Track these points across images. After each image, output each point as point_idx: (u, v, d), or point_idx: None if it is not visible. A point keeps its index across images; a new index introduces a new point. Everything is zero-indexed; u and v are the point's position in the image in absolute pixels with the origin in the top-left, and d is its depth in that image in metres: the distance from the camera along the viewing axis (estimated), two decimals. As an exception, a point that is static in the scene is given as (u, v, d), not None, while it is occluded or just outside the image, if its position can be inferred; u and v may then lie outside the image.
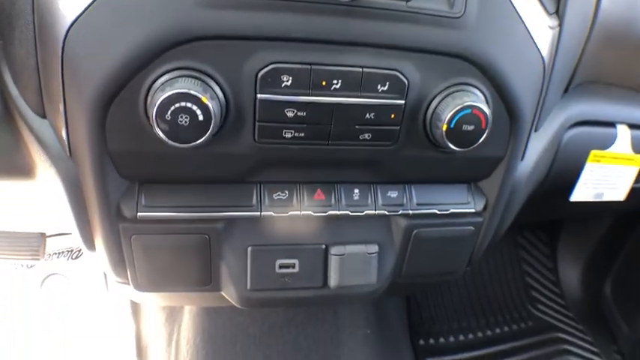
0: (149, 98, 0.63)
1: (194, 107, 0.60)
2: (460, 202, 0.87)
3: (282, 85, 0.65)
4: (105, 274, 1.44)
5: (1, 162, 0.75)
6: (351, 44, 0.65)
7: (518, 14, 0.71)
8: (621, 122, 0.99)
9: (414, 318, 1.75)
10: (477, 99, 0.70)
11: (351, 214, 0.81)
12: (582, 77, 0.93)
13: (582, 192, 1.07)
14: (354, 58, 0.66)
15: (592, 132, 0.97)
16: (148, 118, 0.64)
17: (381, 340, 1.50)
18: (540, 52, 0.75)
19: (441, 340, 1.74)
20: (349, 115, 0.69)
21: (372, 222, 0.85)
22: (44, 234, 1.62)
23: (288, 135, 0.69)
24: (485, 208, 0.89)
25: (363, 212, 0.82)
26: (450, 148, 0.71)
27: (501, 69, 0.71)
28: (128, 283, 0.83)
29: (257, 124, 0.68)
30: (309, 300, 0.88)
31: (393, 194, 0.83)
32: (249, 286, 0.83)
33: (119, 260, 0.80)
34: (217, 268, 0.82)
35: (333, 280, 0.84)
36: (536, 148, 0.88)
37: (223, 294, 0.86)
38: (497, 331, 1.79)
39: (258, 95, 0.65)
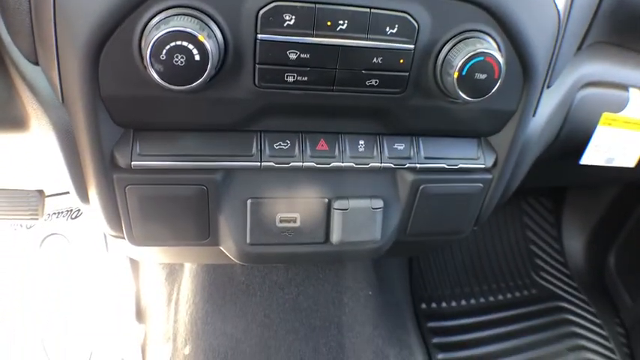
0: (143, 38, 0.60)
1: (190, 46, 0.57)
2: (470, 158, 0.84)
3: (285, 24, 0.62)
4: (104, 234, 1.43)
5: None
6: None
7: None
8: (634, 86, 0.97)
9: (416, 282, 1.75)
10: (490, 47, 0.66)
11: (355, 166, 0.78)
12: (596, 36, 0.90)
13: (593, 155, 1.05)
14: None
15: (604, 94, 0.95)
16: (142, 59, 0.61)
17: (383, 303, 1.50)
18: (556, 4, 0.72)
19: (443, 304, 1.73)
20: (355, 58, 0.65)
21: (377, 176, 0.82)
22: (43, 192, 1.61)
23: (291, 79, 0.66)
24: (495, 164, 0.86)
25: (368, 165, 0.79)
26: (460, 97, 0.68)
27: (516, 17, 0.68)
28: (123, 237, 0.81)
29: (257, 66, 0.65)
30: (310, 256, 0.87)
31: (400, 147, 0.80)
32: (248, 241, 0.81)
33: (114, 213, 0.78)
34: (215, 222, 0.80)
35: (335, 236, 0.82)
36: (548, 106, 0.86)
37: (222, 249, 0.84)
38: (500, 297, 1.79)
39: (259, 35, 0.62)
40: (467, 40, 0.67)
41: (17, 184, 1.26)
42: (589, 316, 1.77)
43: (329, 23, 0.63)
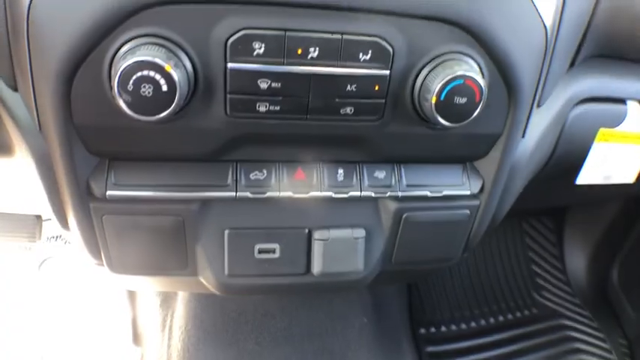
0: (112, 68, 0.59)
1: (157, 76, 0.56)
2: (454, 184, 0.81)
3: (254, 53, 0.60)
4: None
5: None
6: (328, 8, 0.60)
7: None
8: (632, 98, 0.94)
9: (414, 305, 1.72)
10: (470, 69, 0.64)
11: (334, 195, 0.76)
12: (590, 50, 0.87)
13: (589, 174, 1.02)
14: (333, 23, 0.61)
15: (600, 109, 0.92)
16: (112, 89, 0.60)
17: (379, 330, 1.47)
18: (542, 19, 0.69)
19: (443, 328, 1.70)
20: (328, 86, 0.64)
21: (358, 204, 0.80)
22: (40, 217, 1.62)
23: (263, 108, 0.64)
24: (481, 190, 0.83)
25: (347, 194, 0.77)
26: (440, 123, 0.65)
27: (498, 36, 0.66)
28: (103, 265, 0.80)
29: (228, 96, 0.63)
30: (291, 287, 0.85)
31: (381, 174, 0.78)
32: (226, 272, 0.79)
33: (92, 241, 0.77)
34: (193, 252, 0.78)
35: (316, 267, 0.80)
36: (538, 125, 0.83)
37: (201, 279, 0.82)
38: (501, 318, 1.76)
39: (229, 64, 0.61)
40: (445, 63, 0.64)
41: (15, 208, 1.27)
42: (591, 331, 1.74)
43: (299, 51, 0.61)
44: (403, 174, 0.79)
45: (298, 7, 0.60)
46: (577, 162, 0.98)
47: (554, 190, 1.16)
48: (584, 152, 0.96)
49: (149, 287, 1.16)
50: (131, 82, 0.56)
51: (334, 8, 0.60)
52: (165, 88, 0.57)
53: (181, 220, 0.74)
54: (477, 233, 0.89)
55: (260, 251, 0.78)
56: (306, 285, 0.84)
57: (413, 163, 0.80)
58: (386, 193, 0.78)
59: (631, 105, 0.94)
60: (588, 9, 0.80)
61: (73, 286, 1.62)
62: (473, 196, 0.83)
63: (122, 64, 0.56)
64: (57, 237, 1.70)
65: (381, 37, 0.62)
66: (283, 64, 0.61)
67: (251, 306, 1.41)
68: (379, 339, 1.44)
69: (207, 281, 0.82)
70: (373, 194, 0.78)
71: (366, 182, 0.77)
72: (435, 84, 0.63)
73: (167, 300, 1.46)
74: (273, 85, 0.62)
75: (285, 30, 0.60)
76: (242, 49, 0.60)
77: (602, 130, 0.94)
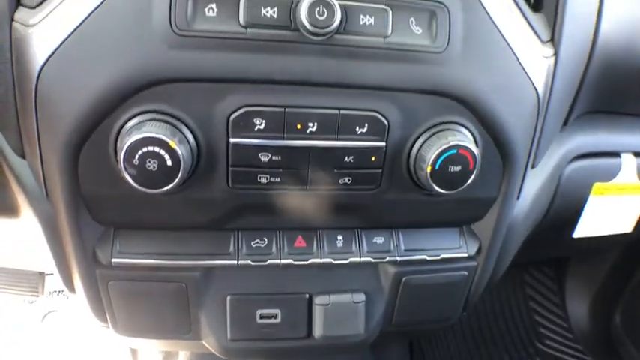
0: (118, 142, 0.61)
1: (162, 152, 0.58)
2: (451, 247, 0.83)
3: (255, 128, 0.62)
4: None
5: None
6: (326, 85, 0.63)
7: (508, 44, 0.67)
8: (626, 151, 0.94)
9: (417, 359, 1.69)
10: (464, 138, 0.66)
11: (334, 261, 0.78)
12: (582, 107, 0.88)
13: (586, 227, 1.02)
14: (330, 99, 0.63)
15: (595, 164, 0.93)
16: (118, 162, 0.61)
17: None
18: (534, 85, 0.71)
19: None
20: (327, 159, 0.66)
21: (358, 269, 0.81)
22: (43, 273, 1.63)
23: (264, 180, 0.66)
24: (479, 251, 0.84)
25: (347, 260, 0.78)
26: (435, 190, 0.67)
27: (490, 105, 0.68)
28: (109, 327, 0.81)
29: (230, 169, 0.65)
30: (293, 350, 0.85)
31: (379, 240, 0.79)
32: (229, 336, 0.80)
33: (98, 304, 0.78)
34: (196, 317, 0.79)
35: (317, 331, 0.80)
36: (533, 186, 0.84)
37: (204, 342, 0.83)
38: (504, 369, 1.73)
39: (231, 139, 0.63)
40: (439, 134, 0.66)
41: (18, 264, 1.27)
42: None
43: (299, 126, 0.63)
44: (401, 239, 0.80)
45: (297, 84, 0.62)
46: (573, 216, 0.98)
47: (552, 243, 1.16)
48: (580, 207, 0.97)
49: (153, 347, 1.15)
50: (137, 157, 0.58)
51: (331, 85, 0.63)
52: (169, 162, 0.59)
53: (184, 286, 0.76)
54: (476, 292, 0.90)
55: (262, 316, 0.79)
56: (308, 348, 0.84)
57: (410, 228, 0.81)
58: (385, 258, 0.79)
59: (625, 157, 0.95)
60: (580, 69, 0.81)
61: (76, 339, 1.61)
62: (470, 258, 0.84)
63: (128, 140, 0.58)
64: (59, 291, 1.70)
65: (376, 111, 0.64)
66: (283, 138, 0.63)
67: None
68: None
69: (209, 345, 0.82)
70: (372, 259, 0.79)
71: (365, 248, 0.79)
72: (429, 154, 0.65)
73: (169, 357, 1.45)
74: (274, 158, 0.64)
75: (285, 106, 0.62)
76: (243, 125, 0.62)
77: (597, 185, 0.95)
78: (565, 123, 0.87)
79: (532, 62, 0.70)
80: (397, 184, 0.71)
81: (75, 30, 0.58)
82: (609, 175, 0.95)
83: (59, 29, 0.59)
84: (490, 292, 0.89)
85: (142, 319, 0.79)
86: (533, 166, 0.82)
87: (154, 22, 0.58)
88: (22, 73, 0.62)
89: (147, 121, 0.60)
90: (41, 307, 1.68)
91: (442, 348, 1.76)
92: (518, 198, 0.81)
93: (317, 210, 0.74)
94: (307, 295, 0.79)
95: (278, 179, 0.66)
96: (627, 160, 0.95)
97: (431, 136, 0.66)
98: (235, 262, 0.75)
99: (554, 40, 0.74)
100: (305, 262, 0.77)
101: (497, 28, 0.67)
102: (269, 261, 0.76)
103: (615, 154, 0.94)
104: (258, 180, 0.66)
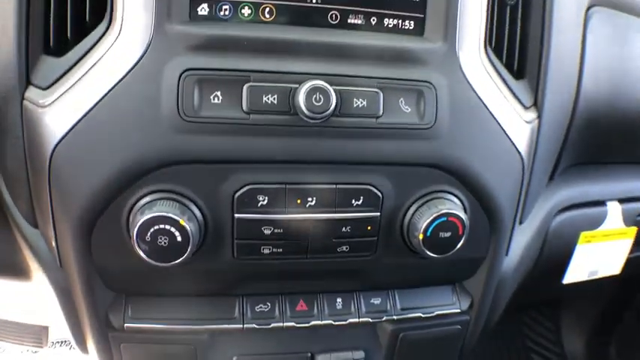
0: (131, 219, 0.65)
1: (172, 229, 0.62)
2: (445, 304, 0.86)
3: (259, 204, 0.67)
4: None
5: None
6: (323, 163, 0.67)
7: (492, 115, 0.71)
8: (611, 199, 0.98)
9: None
10: (453, 206, 0.70)
11: (334, 323, 0.81)
12: (568, 162, 0.91)
13: (575, 273, 1.05)
14: (327, 175, 0.68)
15: (581, 214, 0.96)
16: (130, 237, 0.65)
17: None
18: (517, 149, 0.75)
19: None
20: (326, 229, 0.70)
21: (357, 328, 0.84)
22: (47, 327, 1.63)
23: (267, 251, 0.70)
24: (471, 306, 0.88)
25: (346, 321, 0.81)
26: (428, 255, 0.71)
27: (476, 174, 0.72)
28: None
29: (235, 241, 0.69)
30: None
31: (377, 301, 0.83)
32: None
33: None
34: None
35: (319, 388, 0.83)
36: (521, 241, 0.88)
37: None
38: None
39: (236, 215, 0.67)
40: (429, 202, 0.71)
41: (23, 318, 1.28)
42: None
43: (299, 201, 0.67)
44: (397, 299, 0.84)
45: (297, 163, 0.67)
46: (562, 264, 1.02)
47: (544, 289, 1.18)
48: (568, 255, 1.00)
49: None
50: (149, 233, 0.62)
51: (328, 162, 0.67)
52: (179, 238, 0.63)
53: (193, 348, 0.79)
54: (470, 342, 0.93)
55: None
56: None
57: (406, 288, 0.85)
58: (382, 317, 0.83)
59: (611, 205, 0.98)
60: (563, 128, 0.84)
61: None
62: (463, 313, 0.87)
63: (141, 218, 0.62)
64: (62, 342, 1.71)
65: (371, 185, 0.69)
66: (284, 213, 0.67)
67: None
68: None
69: None
70: (370, 319, 0.82)
71: (363, 309, 0.82)
72: (421, 222, 0.69)
73: None
74: (276, 230, 0.68)
75: (286, 183, 0.66)
76: (248, 201, 0.66)
77: (584, 234, 0.97)
78: (551, 178, 0.90)
79: (516, 129, 0.74)
80: (392, 249, 0.75)
81: (87, 113, 0.62)
82: (595, 223, 0.98)
83: (72, 112, 0.62)
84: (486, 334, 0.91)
85: None
86: (520, 222, 0.86)
87: (163, 109, 0.61)
88: (35, 151, 0.66)
89: (157, 199, 0.64)
90: (44, 357, 1.68)
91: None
92: (507, 254, 0.85)
93: (317, 275, 0.78)
94: (309, 354, 0.83)
95: (280, 250, 0.70)
96: (613, 208, 0.98)
97: (422, 205, 0.71)
98: (241, 326, 0.78)
99: (537, 103, 0.78)
100: (306, 325, 0.80)
101: (482, 101, 0.70)
102: (272, 324, 0.79)
103: (601, 203, 0.98)
104: (262, 251, 0.70)
